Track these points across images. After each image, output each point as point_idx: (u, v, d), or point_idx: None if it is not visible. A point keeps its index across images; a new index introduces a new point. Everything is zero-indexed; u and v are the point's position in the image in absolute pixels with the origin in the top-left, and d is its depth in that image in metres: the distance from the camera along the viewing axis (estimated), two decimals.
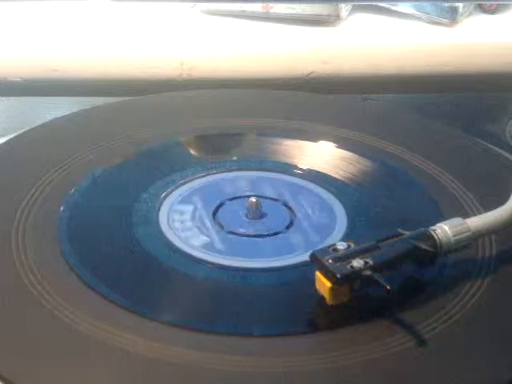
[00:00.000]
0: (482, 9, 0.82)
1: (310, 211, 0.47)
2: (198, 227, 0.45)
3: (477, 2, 0.81)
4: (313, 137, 0.54)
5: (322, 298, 0.38)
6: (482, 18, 0.82)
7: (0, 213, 0.45)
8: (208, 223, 0.46)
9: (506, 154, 0.54)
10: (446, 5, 0.78)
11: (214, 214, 0.47)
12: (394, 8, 0.80)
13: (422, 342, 0.37)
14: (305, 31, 0.78)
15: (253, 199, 0.46)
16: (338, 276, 0.37)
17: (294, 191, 0.49)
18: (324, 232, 0.45)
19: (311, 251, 0.39)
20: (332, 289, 0.37)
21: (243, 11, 0.79)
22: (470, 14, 0.81)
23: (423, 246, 0.39)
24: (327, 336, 0.37)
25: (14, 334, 0.37)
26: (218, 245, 0.44)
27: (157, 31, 0.76)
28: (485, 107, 0.66)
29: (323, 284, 0.37)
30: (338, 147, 0.53)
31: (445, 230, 0.40)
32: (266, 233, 0.45)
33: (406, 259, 0.39)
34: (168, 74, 0.71)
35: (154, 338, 0.36)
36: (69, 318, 0.37)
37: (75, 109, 0.59)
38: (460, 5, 0.78)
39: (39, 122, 0.56)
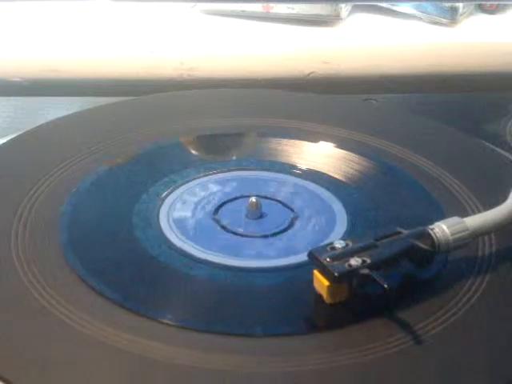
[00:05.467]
0: (482, 9, 0.82)
1: (309, 211, 0.47)
2: (198, 227, 0.45)
3: (477, 2, 0.81)
4: (313, 137, 0.54)
5: (321, 296, 0.38)
6: (482, 18, 0.82)
7: (0, 213, 0.45)
8: (208, 223, 0.46)
9: (506, 154, 0.54)
10: (446, 5, 0.78)
11: (215, 213, 0.47)
12: (394, 8, 0.80)
13: (421, 342, 0.37)
14: (305, 31, 0.78)
15: (253, 199, 0.46)
16: (336, 274, 0.37)
17: (293, 191, 0.49)
18: (324, 232, 0.45)
19: (309, 250, 0.39)
20: (330, 287, 0.37)
21: (243, 11, 0.79)
22: (470, 14, 0.81)
23: (421, 244, 0.39)
24: (327, 336, 0.37)
25: (14, 335, 0.37)
26: (218, 245, 0.44)
27: (157, 31, 0.76)
28: (485, 107, 0.66)
29: (321, 282, 0.37)
30: (337, 147, 0.53)
31: (443, 229, 0.40)
32: (266, 233, 0.45)
33: (403, 258, 0.39)
34: (168, 74, 0.71)
35: (154, 337, 0.36)
36: (69, 317, 0.37)
37: (75, 109, 0.59)
38: (460, 5, 0.78)
39: (39, 122, 0.56)
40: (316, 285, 0.38)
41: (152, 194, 0.48)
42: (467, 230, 0.40)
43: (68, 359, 0.35)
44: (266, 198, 0.48)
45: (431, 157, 0.52)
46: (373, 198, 0.48)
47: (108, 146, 0.52)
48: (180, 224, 0.45)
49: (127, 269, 0.42)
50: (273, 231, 0.45)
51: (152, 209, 0.47)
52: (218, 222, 0.46)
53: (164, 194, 0.48)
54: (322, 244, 0.40)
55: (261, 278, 0.42)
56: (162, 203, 0.47)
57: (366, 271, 0.37)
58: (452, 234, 0.40)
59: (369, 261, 0.38)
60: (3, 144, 0.53)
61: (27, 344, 0.36)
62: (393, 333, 0.37)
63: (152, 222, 0.45)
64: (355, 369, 0.35)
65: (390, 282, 0.36)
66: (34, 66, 0.70)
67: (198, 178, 0.50)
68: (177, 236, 0.44)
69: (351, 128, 0.55)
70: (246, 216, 0.46)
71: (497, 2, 0.81)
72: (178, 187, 0.49)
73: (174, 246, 0.44)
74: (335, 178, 0.50)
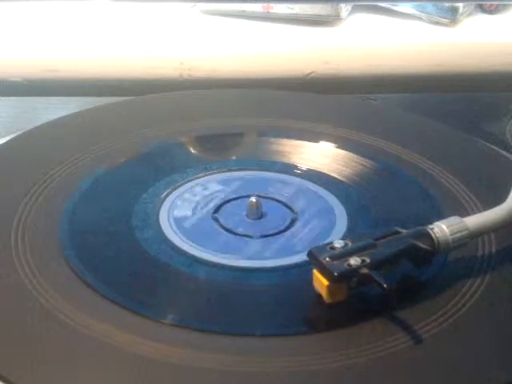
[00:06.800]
0: (482, 9, 0.82)
1: (309, 211, 0.47)
2: (199, 227, 0.45)
3: (477, 2, 0.81)
4: (313, 137, 0.54)
5: (320, 296, 0.38)
6: (482, 18, 0.82)
7: (0, 213, 0.45)
8: (208, 223, 0.46)
9: (506, 154, 0.54)
10: (446, 5, 0.78)
11: (215, 213, 0.47)
12: (394, 8, 0.80)
13: (421, 342, 0.37)
14: (305, 31, 0.78)
15: (253, 199, 0.46)
16: (335, 274, 0.37)
17: (293, 191, 0.49)
18: (324, 232, 0.45)
19: (309, 249, 0.39)
20: (329, 287, 0.37)
21: (243, 11, 0.79)
22: (470, 14, 0.81)
23: (420, 244, 0.39)
24: (326, 335, 0.37)
25: (14, 334, 0.37)
26: (218, 245, 0.44)
27: (157, 31, 0.76)
28: (485, 107, 0.66)
29: (320, 282, 0.37)
30: (337, 147, 0.53)
31: (442, 228, 0.40)
32: (266, 233, 0.45)
33: (403, 258, 0.39)
34: (168, 74, 0.71)
35: (154, 337, 0.37)
36: (69, 317, 0.37)
37: (75, 109, 0.59)
38: (460, 5, 0.78)
39: (39, 122, 0.56)
40: (315, 284, 0.38)
41: (152, 194, 0.48)
42: (467, 229, 0.40)
43: (67, 358, 0.35)
44: (265, 197, 0.48)
45: (431, 157, 0.52)
46: (373, 198, 0.48)
47: (108, 146, 0.52)
48: (180, 224, 0.45)
49: (127, 268, 0.42)
50: (273, 231, 0.45)
51: (152, 209, 0.47)
52: (217, 221, 0.46)
53: (164, 194, 0.48)
54: (321, 243, 0.40)
55: (261, 277, 0.42)
56: (162, 203, 0.47)
57: (365, 271, 0.37)
58: (451, 234, 0.40)
59: (368, 260, 0.38)
60: (3, 144, 0.53)
61: (27, 344, 0.36)
62: (393, 333, 0.37)
63: (152, 222, 0.46)
64: (355, 369, 0.35)
65: (389, 282, 0.36)
66: (34, 65, 0.70)
67: (198, 177, 0.50)
68: (177, 236, 0.44)
69: (351, 128, 0.55)
70: (246, 216, 0.46)
71: (497, 2, 0.81)
72: (178, 187, 0.49)
73: (174, 245, 0.44)
74: (335, 178, 0.50)
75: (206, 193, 0.49)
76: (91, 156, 0.51)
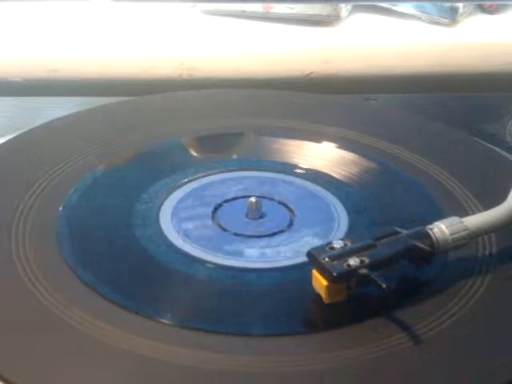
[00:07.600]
0: (482, 9, 0.82)
1: (309, 211, 0.47)
2: (198, 227, 0.45)
3: (477, 2, 0.81)
4: (313, 137, 0.54)
5: (319, 296, 0.38)
6: (482, 18, 0.82)
7: (0, 213, 0.45)
8: (208, 223, 0.46)
9: (506, 154, 0.54)
10: (446, 5, 0.78)
11: (214, 214, 0.47)
12: (394, 8, 0.80)
13: (421, 342, 0.37)
14: (305, 31, 0.78)
15: (253, 199, 0.46)
16: (335, 274, 0.37)
17: (293, 191, 0.49)
18: (324, 232, 0.45)
19: (308, 250, 0.39)
20: (328, 287, 0.37)
21: (243, 11, 0.79)
22: (470, 13, 0.81)
23: (420, 244, 0.39)
24: (325, 336, 0.37)
25: (14, 334, 0.37)
26: (218, 245, 0.44)
27: (157, 31, 0.76)
28: (485, 107, 0.66)
29: (320, 282, 0.38)
30: (338, 147, 0.53)
31: (442, 228, 0.40)
32: (266, 233, 0.45)
33: (402, 258, 0.39)
34: (168, 74, 0.71)
35: (154, 337, 0.37)
36: (68, 317, 0.37)
37: (75, 109, 0.59)
38: (460, 5, 0.78)
39: (39, 122, 0.56)
40: (314, 284, 0.38)
41: (152, 194, 0.48)
42: (466, 229, 0.40)
43: (67, 358, 0.35)
44: (265, 198, 0.48)
45: (431, 157, 0.52)
46: (373, 198, 0.48)
47: (107, 146, 0.52)
48: (180, 224, 0.45)
49: (127, 268, 0.42)
50: (272, 231, 0.45)
51: (152, 209, 0.47)
52: (217, 222, 0.46)
53: (164, 194, 0.48)
54: (320, 244, 0.40)
55: (260, 277, 0.42)
56: (162, 203, 0.47)
57: (364, 271, 0.37)
58: (451, 234, 0.40)
59: (367, 261, 0.38)
60: (3, 144, 0.53)
61: (27, 344, 0.36)
62: (392, 333, 0.37)
63: (152, 222, 0.46)
64: (354, 369, 0.35)
65: (388, 282, 0.36)
66: (34, 65, 0.70)
67: (198, 178, 0.50)
68: (176, 236, 0.44)
69: (351, 128, 0.55)
70: (246, 216, 0.46)
71: (497, 2, 0.81)
72: (177, 187, 0.49)
73: (174, 245, 0.44)
74: (335, 178, 0.50)
75: (206, 193, 0.49)
76: (91, 156, 0.51)
